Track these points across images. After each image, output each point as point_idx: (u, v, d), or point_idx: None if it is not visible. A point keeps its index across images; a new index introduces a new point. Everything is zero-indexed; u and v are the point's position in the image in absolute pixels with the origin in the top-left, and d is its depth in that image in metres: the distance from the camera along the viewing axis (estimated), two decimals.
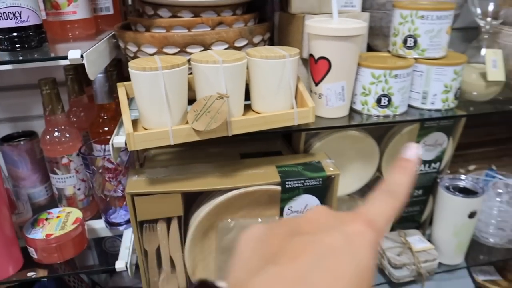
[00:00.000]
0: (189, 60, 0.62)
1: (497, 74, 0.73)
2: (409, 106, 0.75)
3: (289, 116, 0.65)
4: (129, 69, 0.58)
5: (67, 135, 0.79)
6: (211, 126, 0.59)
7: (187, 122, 0.61)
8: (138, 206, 0.66)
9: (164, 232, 0.70)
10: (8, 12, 0.60)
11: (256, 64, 0.63)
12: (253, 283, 0.23)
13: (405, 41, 0.71)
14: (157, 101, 0.58)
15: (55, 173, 0.80)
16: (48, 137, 0.78)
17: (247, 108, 0.68)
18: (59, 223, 0.75)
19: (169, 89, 0.58)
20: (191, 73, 0.63)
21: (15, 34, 0.62)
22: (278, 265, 0.23)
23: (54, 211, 0.78)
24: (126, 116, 0.59)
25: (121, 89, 0.62)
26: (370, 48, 0.87)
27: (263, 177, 0.69)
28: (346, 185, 0.84)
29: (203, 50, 0.68)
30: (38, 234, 0.72)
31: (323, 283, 0.22)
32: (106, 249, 0.96)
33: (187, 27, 0.69)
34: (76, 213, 0.77)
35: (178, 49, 0.68)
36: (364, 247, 0.24)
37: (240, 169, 0.71)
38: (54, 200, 0.86)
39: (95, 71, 0.60)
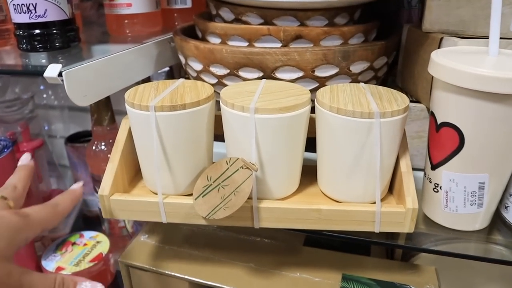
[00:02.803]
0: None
1: None
2: None
3: (367, 217, 0.37)
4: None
5: None
6: (216, 213, 0.36)
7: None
8: (134, 280, 0.48)
9: None
10: (22, 4, 0.47)
11: (323, 116, 0.37)
12: None
13: None
14: (149, 154, 0.38)
15: (97, 192, 0.68)
16: (92, 151, 0.66)
17: (309, 181, 0.42)
18: (79, 255, 0.62)
19: (166, 139, 0.37)
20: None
21: (35, 32, 0.49)
22: None
23: (87, 235, 0.67)
24: (112, 166, 0.40)
25: (124, 124, 0.43)
26: None
27: None
28: None
29: (262, 77, 0.45)
30: (52, 263, 0.61)
31: None
32: None
33: (247, 39, 0.46)
34: (103, 246, 0.64)
35: (228, 71, 0.46)
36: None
37: (290, 267, 0.46)
38: None
39: (87, 96, 0.43)
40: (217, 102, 0.41)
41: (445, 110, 0.35)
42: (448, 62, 0.34)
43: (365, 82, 0.48)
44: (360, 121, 0.34)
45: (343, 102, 0.36)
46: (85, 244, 0.65)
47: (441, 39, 0.41)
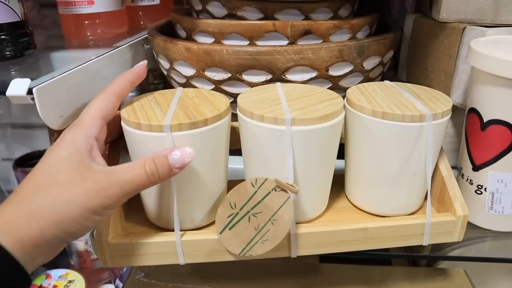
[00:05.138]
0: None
1: None
2: None
3: (416, 230, 0.33)
4: (121, 121, 0.31)
5: None
6: (253, 249, 0.30)
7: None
8: None
9: None
10: None
11: (361, 122, 0.32)
12: None
13: None
14: (160, 185, 0.31)
15: None
16: None
17: (334, 192, 0.38)
18: None
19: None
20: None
21: None
22: None
23: (55, 274, 0.57)
24: None
25: (113, 148, 0.35)
26: None
27: None
28: None
29: (271, 80, 0.39)
30: None
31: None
32: None
33: (248, 37, 0.40)
34: (78, 286, 0.55)
35: (229, 75, 0.40)
36: (61, 138, 0.29)
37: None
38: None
39: (63, 117, 0.35)
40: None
41: (494, 107, 0.32)
42: (498, 52, 0.30)
43: (374, 79, 0.44)
44: (411, 126, 0.30)
45: (385, 104, 0.31)
46: (55, 286, 0.55)
47: (464, 29, 0.38)
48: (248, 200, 0.31)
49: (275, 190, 0.31)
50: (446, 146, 0.45)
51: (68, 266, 0.62)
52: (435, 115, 0.30)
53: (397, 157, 0.32)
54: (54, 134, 0.54)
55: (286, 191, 0.30)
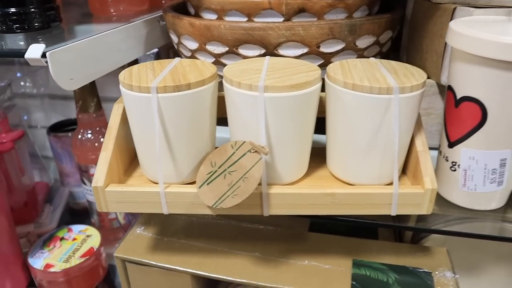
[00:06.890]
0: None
1: None
2: None
3: (383, 200, 0.35)
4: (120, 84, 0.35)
5: (102, 139, 0.62)
6: (224, 202, 0.34)
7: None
8: (132, 276, 0.45)
9: None
10: None
11: (335, 94, 0.34)
12: None
13: None
14: (148, 140, 0.35)
15: (85, 184, 0.65)
16: (78, 140, 0.62)
17: (318, 163, 0.40)
18: (68, 250, 0.59)
19: (168, 123, 0.34)
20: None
21: (11, 10, 0.45)
22: None
23: (76, 229, 0.63)
24: (106, 154, 0.37)
25: (117, 108, 0.39)
26: None
27: (323, 279, 0.41)
28: None
29: (264, 54, 0.42)
30: (39, 260, 0.57)
31: None
32: None
33: (246, 14, 0.43)
34: (94, 240, 0.61)
35: (226, 48, 0.43)
36: None
37: (297, 255, 0.44)
38: None
39: (74, 80, 0.39)
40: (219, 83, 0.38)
41: (466, 84, 0.33)
42: (471, 31, 0.31)
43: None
44: (378, 98, 0.32)
45: (358, 77, 0.33)
46: (74, 239, 0.61)
47: (454, 9, 0.39)
48: (226, 160, 0.34)
49: (250, 151, 0.34)
50: (438, 127, 0.46)
51: (89, 223, 0.68)
52: (402, 88, 0.32)
53: (367, 128, 0.34)
54: (79, 102, 0.60)
55: (258, 153, 0.33)
